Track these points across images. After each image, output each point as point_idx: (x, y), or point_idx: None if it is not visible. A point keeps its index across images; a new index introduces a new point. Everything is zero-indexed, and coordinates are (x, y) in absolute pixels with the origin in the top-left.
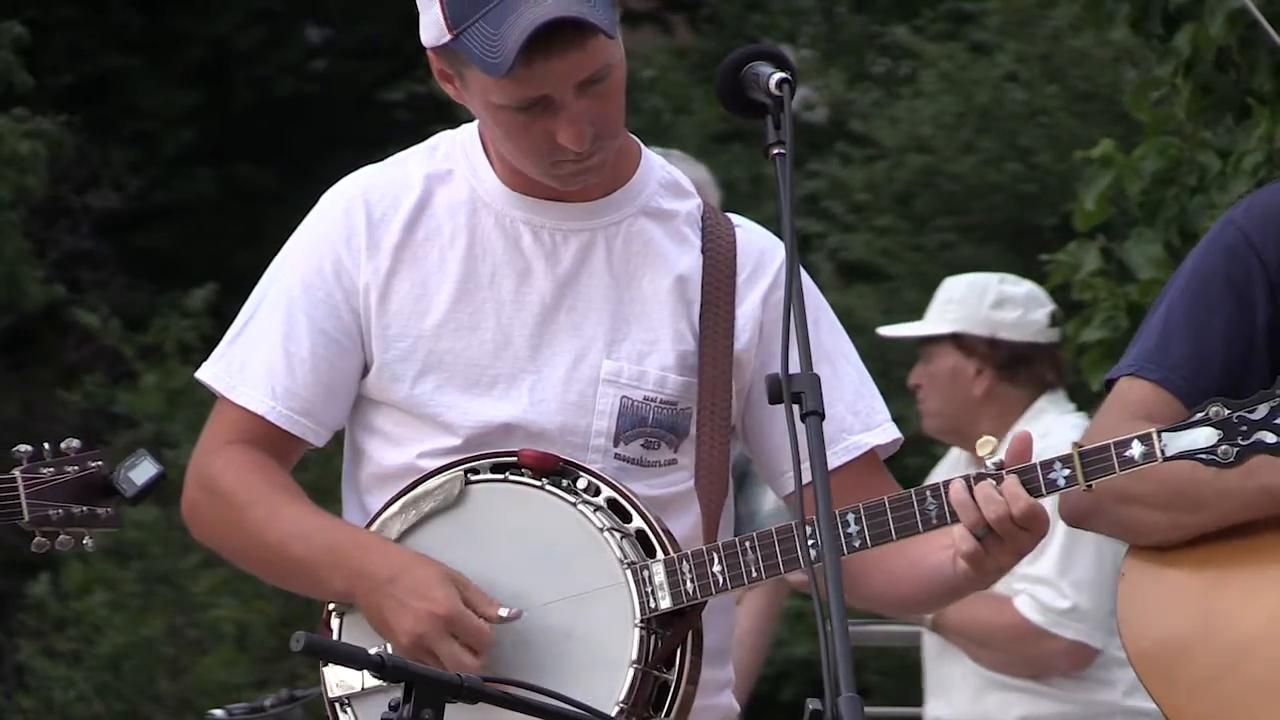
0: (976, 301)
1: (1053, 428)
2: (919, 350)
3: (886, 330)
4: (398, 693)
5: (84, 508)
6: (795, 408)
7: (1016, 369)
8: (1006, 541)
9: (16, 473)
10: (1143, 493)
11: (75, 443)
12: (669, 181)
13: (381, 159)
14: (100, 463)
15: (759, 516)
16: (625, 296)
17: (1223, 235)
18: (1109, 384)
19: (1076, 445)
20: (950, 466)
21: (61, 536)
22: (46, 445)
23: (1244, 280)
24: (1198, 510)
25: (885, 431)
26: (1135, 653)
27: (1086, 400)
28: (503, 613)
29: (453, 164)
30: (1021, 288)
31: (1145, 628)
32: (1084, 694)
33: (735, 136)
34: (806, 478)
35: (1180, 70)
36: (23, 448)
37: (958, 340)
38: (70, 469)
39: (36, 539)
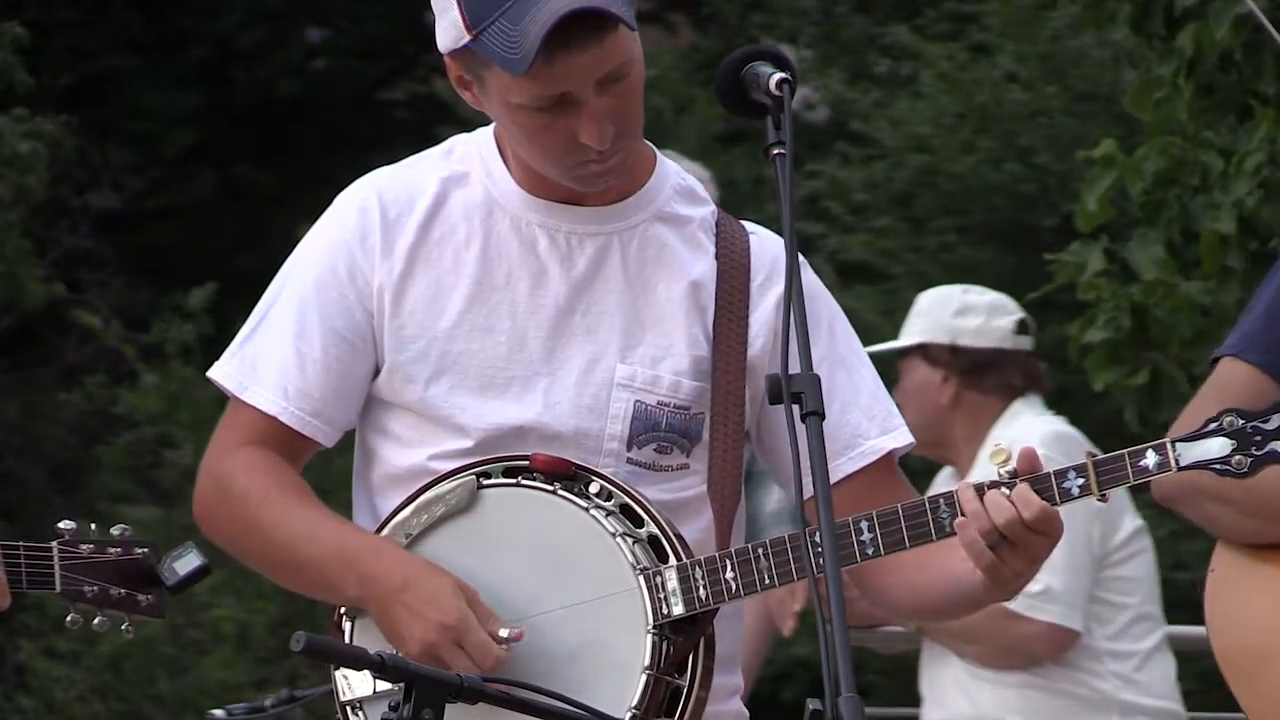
0: (939, 311)
1: (1029, 425)
2: (897, 368)
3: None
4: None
5: (122, 590)
6: (796, 408)
7: (982, 375)
8: (1020, 548)
9: (54, 544)
10: (1232, 494)
11: (127, 530)
12: (684, 187)
13: (382, 158)
14: (146, 550)
15: (762, 517)
16: (640, 301)
17: None
18: (1213, 362)
19: (1090, 455)
20: (944, 485)
21: (98, 617)
22: (94, 526)
23: None
24: None
25: (901, 435)
26: (1220, 651)
27: (1088, 400)
28: (503, 633)
29: (468, 167)
30: (986, 297)
31: (1230, 627)
32: (1077, 687)
33: (737, 137)
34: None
35: (1182, 70)
36: (67, 524)
37: (924, 351)
38: (112, 550)
39: (70, 615)
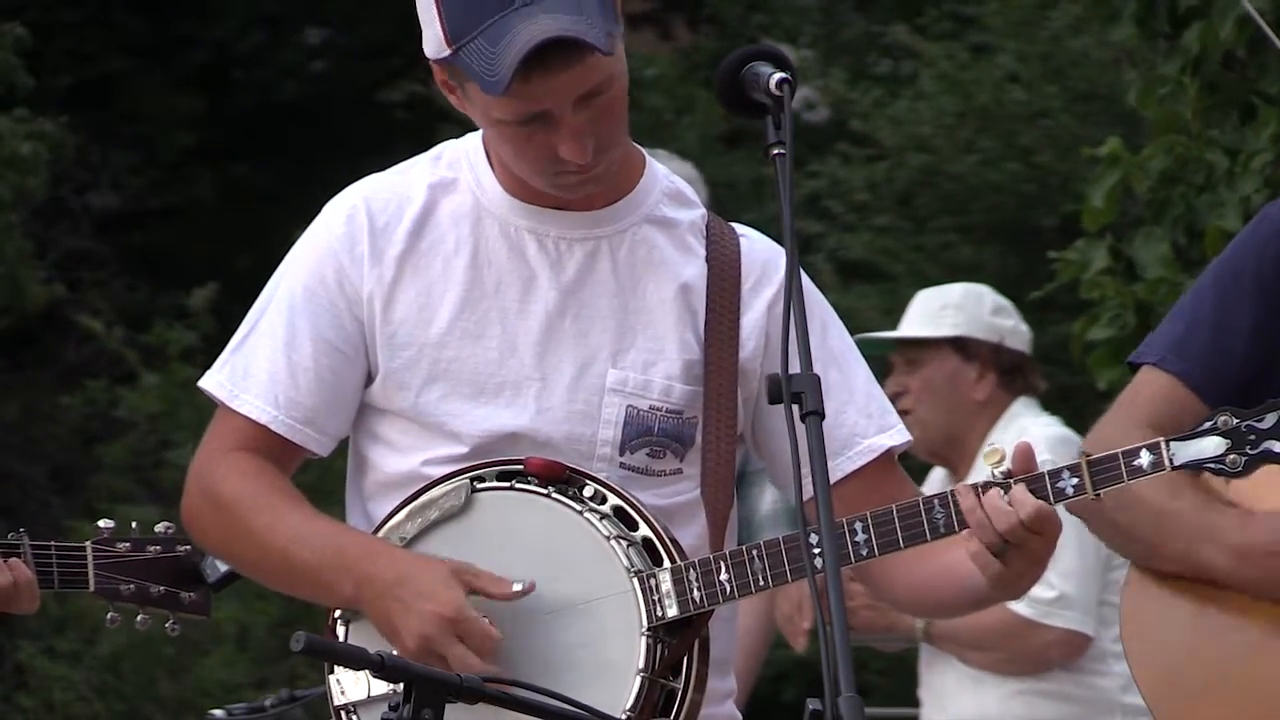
0: (975, 307)
1: (1028, 427)
2: (900, 359)
3: (879, 336)
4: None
5: (162, 588)
6: (795, 408)
7: (1014, 375)
8: (1023, 549)
9: (88, 544)
10: (1127, 525)
11: (171, 528)
12: (673, 190)
13: (382, 160)
14: (189, 547)
15: (756, 518)
16: (630, 305)
17: (1258, 230)
18: (1133, 366)
19: (1085, 455)
20: (936, 488)
21: (140, 615)
22: (135, 524)
23: (1274, 276)
24: (1168, 561)
25: (899, 433)
26: (1136, 664)
27: (1090, 399)
28: (516, 587)
29: (457, 173)
30: (1005, 300)
31: (1146, 637)
32: (1080, 690)
33: (737, 137)
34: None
35: (1188, 68)
36: (106, 522)
37: (958, 344)
38: (152, 549)
39: (110, 613)
